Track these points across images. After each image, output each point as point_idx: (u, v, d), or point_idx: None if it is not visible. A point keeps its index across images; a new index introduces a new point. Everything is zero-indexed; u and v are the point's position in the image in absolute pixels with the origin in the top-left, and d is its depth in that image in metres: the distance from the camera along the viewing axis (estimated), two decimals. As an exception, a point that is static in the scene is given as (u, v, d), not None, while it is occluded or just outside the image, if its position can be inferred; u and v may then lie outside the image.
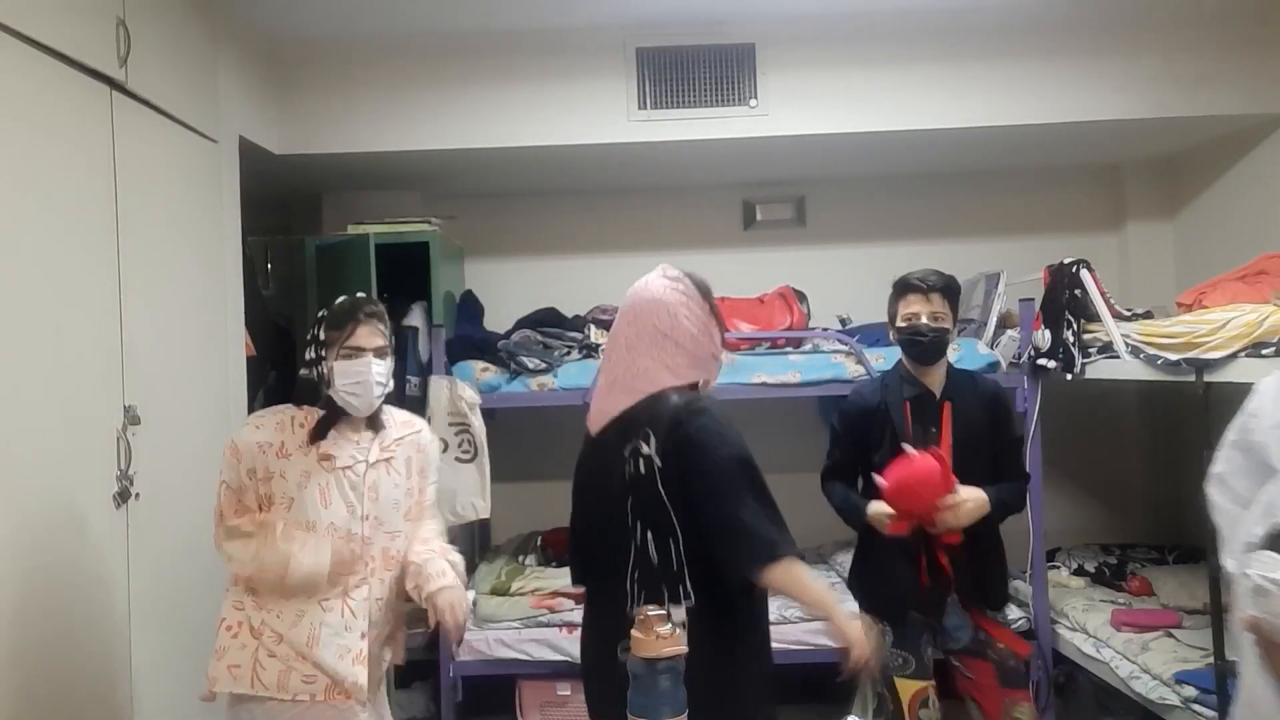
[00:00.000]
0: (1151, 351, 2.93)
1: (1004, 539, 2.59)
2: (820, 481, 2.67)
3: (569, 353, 3.65)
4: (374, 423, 2.07)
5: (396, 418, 2.15)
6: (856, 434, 2.60)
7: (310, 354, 2.05)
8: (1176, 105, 3.45)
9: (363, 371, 1.99)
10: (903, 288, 2.56)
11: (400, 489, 2.08)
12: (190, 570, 2.59)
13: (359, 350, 1.99)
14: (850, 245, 4.35)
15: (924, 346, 2.51)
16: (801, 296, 3.92)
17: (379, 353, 2.02)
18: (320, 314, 2.09)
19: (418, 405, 3.43)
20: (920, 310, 2.51)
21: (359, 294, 2.13)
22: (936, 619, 2.50)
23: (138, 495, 2.29)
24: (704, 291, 1.92)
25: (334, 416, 2.02)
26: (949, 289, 2.55)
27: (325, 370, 2.01)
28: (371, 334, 2.02)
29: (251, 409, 3.20)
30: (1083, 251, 3.55)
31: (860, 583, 2.67)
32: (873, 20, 3.40)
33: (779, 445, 4.03)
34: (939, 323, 2.51)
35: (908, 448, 2.38)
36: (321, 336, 2.03)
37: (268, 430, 2.00)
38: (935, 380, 2.56)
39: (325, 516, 1.96)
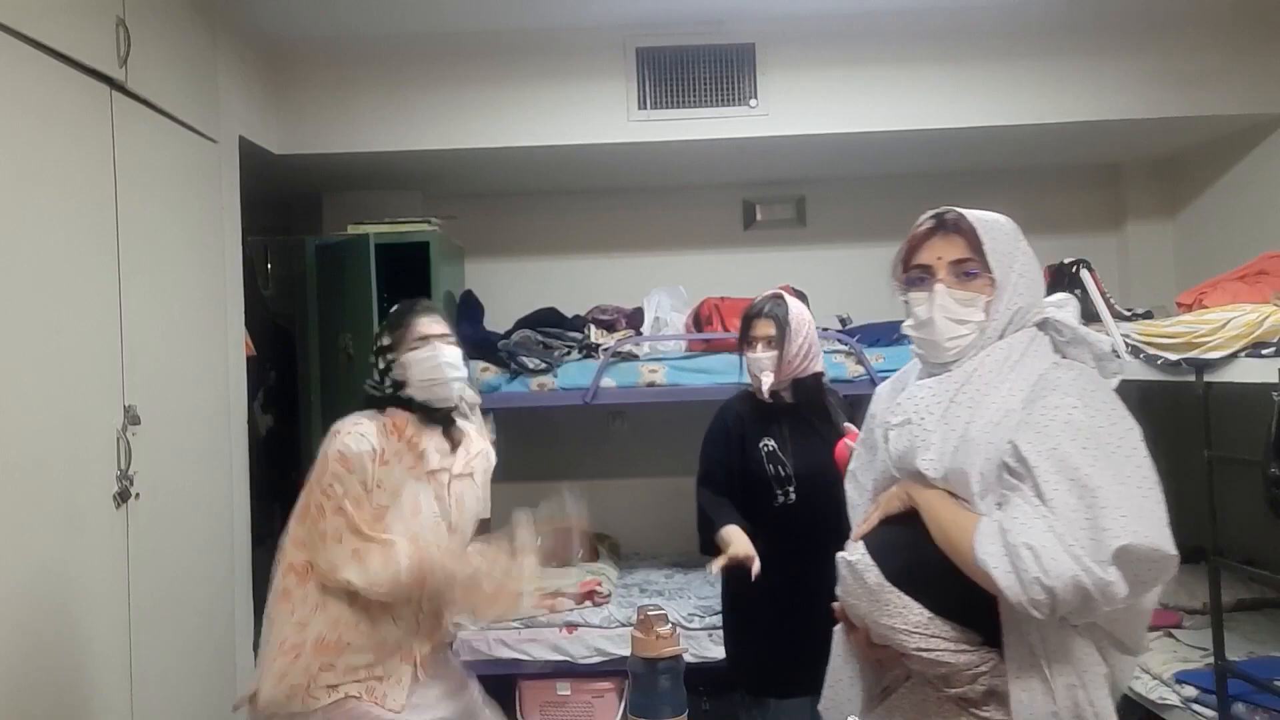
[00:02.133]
0: (1151, 351, 2.93)
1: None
2: None
3: (569, 353, 3.65)
4: (452, 432, 2.06)
5: (470, 430, 2.14)
6: None
7: (381, 364, 2.03)
8: (1176, 105, 3.45)
9: (433, 357, 1.99)
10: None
11: (480, 502, 2.11)
12: (190, 570, 2.60)
13: (424, 339, 2.00)
14: (850, 245, 4.35)
15: None
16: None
17: (444, 339, 2.02)
18: (379, 328, 2.10)
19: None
20: None
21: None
22: None
23: (138, 495, 2.29)
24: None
25: (425, 415, 2.01)
26: None
27: (400, 370, 1.99)
28: (432, 322, 2.03)
29: (251, 409, 3.20)
30: (1083, 251, 3.55)
31: None
32: (872, 20, 3.40)
33: (779, 445, 4.05)
34: None
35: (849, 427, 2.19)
36: (386, 342, 2.02)
37: (371, 438, 1.93)
38: None
39: (412, 526, 1.94)
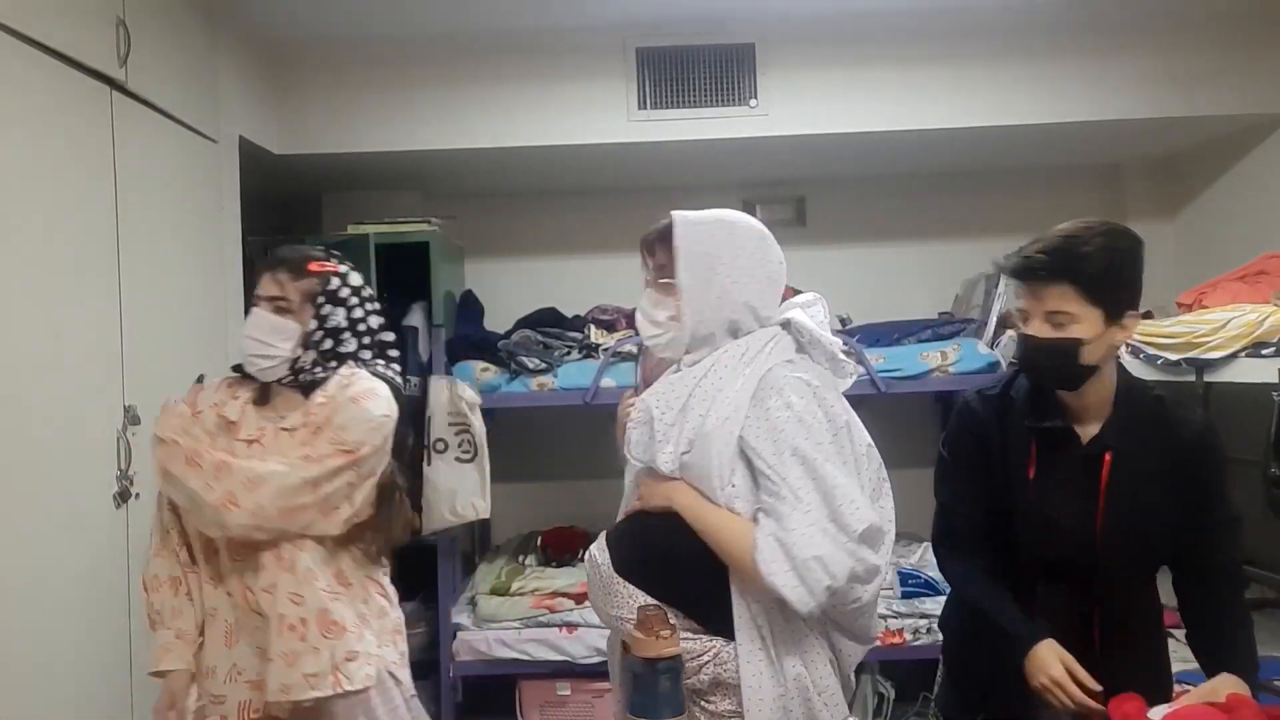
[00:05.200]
0: (1151, 351, 2.93)
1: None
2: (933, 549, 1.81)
3: (569, 353, 3.65)
4: (306, 391, 1.76)
5: (340, 382, 1.75)
6: (970, 469, 1.68)
7: None
8: (1176, 105, 3.45)
9: (250, 325, 1.74)
10: (1010, 271, 1.63)
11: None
12: (190, 570, 2.59)
13: (256, 299, 1.76)
14: (850, 245, 4.35)
15: (1040, 370, 1.61)
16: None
17: (276, 307, 1.73)
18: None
19: (418, 405, 3.43)
20: (1029, 308, 1.59)
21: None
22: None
23: (138, 495, 2.29)
24: None
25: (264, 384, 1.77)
26: (1085, 272, 1.52)
27: None
28: (268, 284, 1.75)
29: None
30: (1083, 251, 3.54)
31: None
32: (873, 20, 3.40)
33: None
34: (1062, 329, 1.54)
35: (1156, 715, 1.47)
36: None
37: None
38: (1090, 408, 1.61)
39: None
